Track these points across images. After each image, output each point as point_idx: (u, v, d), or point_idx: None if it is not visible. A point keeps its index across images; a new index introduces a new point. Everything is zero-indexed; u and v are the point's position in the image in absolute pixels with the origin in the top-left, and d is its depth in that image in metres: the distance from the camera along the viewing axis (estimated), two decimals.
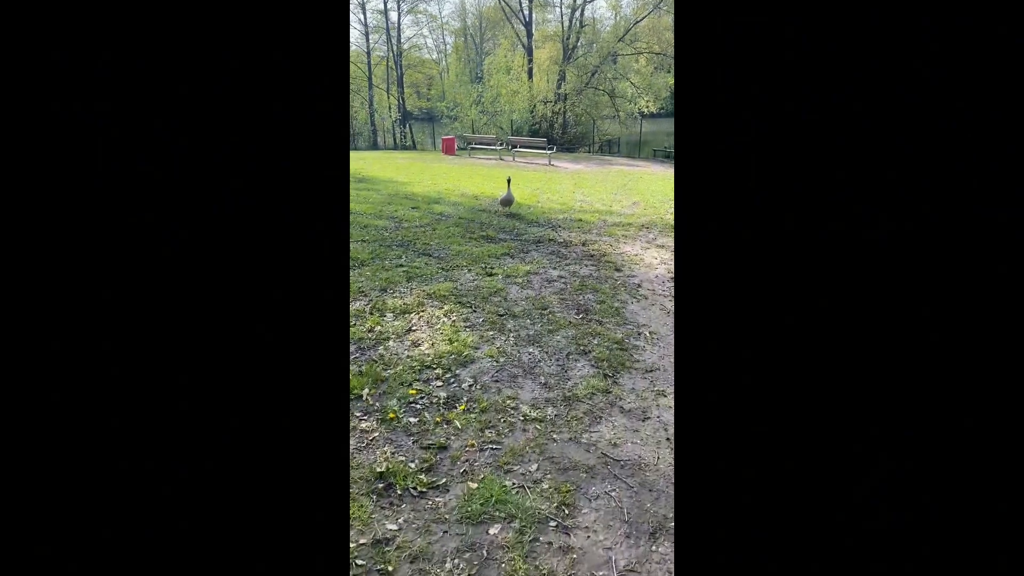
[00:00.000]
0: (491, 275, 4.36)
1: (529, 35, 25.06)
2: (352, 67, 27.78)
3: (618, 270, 4.66)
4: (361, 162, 15.12)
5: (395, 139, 27.09)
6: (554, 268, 4.65)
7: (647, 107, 22.17)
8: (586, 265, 4.78)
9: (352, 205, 7.51)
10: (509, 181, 7.30)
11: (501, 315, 3.48)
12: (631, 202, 8.66)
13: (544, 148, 16.32)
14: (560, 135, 23.44)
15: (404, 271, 4.35)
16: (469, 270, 4.49)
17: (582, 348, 3.03)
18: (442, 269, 4.47)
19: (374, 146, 26.58)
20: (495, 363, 2.82)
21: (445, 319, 3.39)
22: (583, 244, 5.60)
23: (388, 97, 27.98)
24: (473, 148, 18.71)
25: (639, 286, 4.25)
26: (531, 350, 2.99)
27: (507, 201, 7.13)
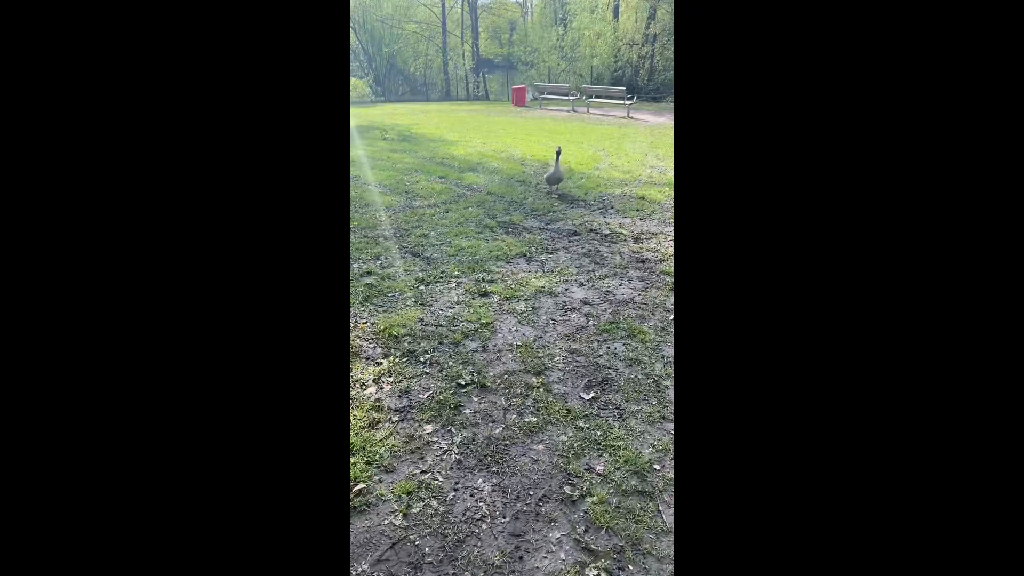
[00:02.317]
0: (485, 295, 3.07)
1: None
2: (426, 11, 26.36)
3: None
4: (420, 116, 13.99)
5: (467, 89, 25.57)
6: (581, 284, 3.26)
7: None
8: (631, 279, 3.34)
9: (373, 173, 6.41)
10: (558, 154, 5.56)
11: (464, 386, 2.20)
12: None
13: (622, 98, 14.26)
14: (645, 83, 20.82)
15: (367, 286, 3.16)
16: (459, 283, 3.21)
17: (572, 485, 1.71)
18: (421, 281, 3.23)
19: (447, 96, 25.27)
20: (394, 527, 1.57)
21: (373, 389, 2.18)
22: (636, 239, 4.10)
23: (462, 44, 26.31)
24: (545, 99, 16.93)
25: None
26: (479, 484, 1.71)
27: (554, 179, 5.49)
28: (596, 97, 15.57)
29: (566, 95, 16.07)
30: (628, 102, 14.19)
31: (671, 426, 1.99)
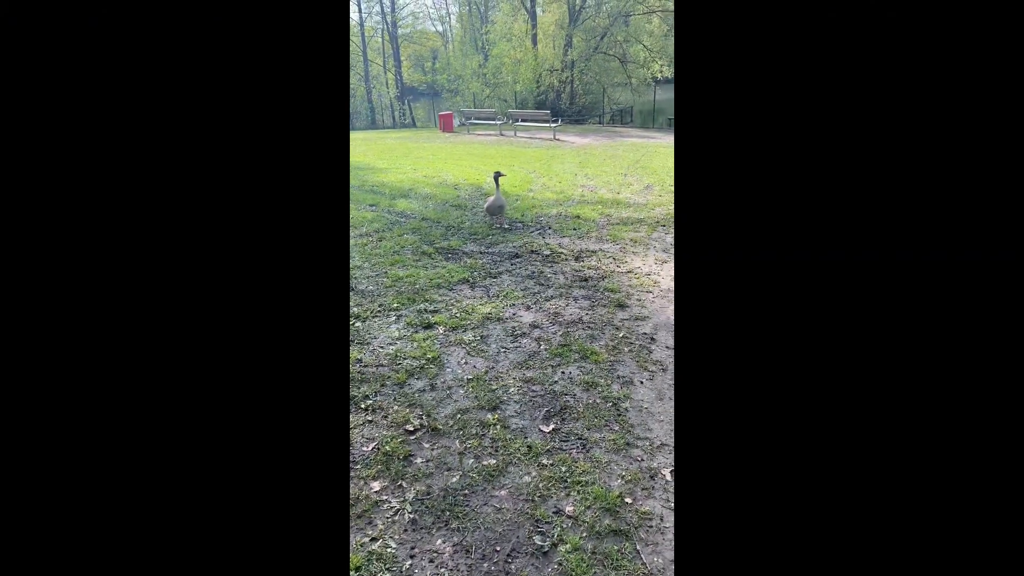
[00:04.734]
0: (428, 327, 2.88)
1: None
2: None
3: (622, 307, 3.13)
4: None
5: (393, 117, 25.34)
6: (529, 307, 3.14)
7: (661, 72, 19.84)
8: (577, 298, 3.27)
9: None
10: (497, 178, 4.98)
11: (412, 432, 2.00)
12: (643, 185, 7.03)
13: (548, 121, 14.58)
14: (567, 106, 21.51)
15: None
16: (399, 316, 3.01)
17: (541, 534, 1.55)
18: (357, 317, 3.00)
19: (372, 125, 24.89)
20: None
21: None
22: (576, 258, 4.06)
23: (385, 72, 26.15)
24: (472, 124, 17.03)
25: (653, 340, 2.73)
26: (438, 545, 1.51)
27: (495, 208, 4.95)
28: (522, 121, 15.85)
29: (493, 120, 16.25)
30: (554, 124, 14.52)
31: (637, 452, 1.88)
